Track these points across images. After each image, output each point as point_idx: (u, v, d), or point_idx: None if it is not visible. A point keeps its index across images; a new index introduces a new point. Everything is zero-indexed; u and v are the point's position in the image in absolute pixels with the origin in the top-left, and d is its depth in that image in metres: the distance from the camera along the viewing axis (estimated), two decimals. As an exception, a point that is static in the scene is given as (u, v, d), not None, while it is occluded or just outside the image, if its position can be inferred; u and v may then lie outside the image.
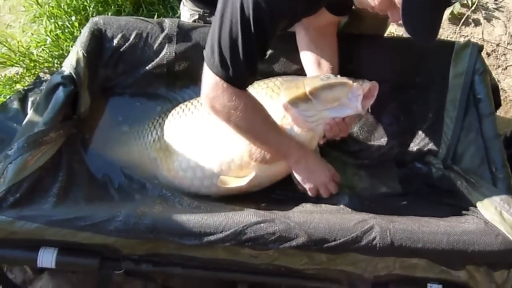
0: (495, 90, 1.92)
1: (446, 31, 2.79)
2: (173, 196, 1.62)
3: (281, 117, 1.68)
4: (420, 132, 1.93)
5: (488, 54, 2.75)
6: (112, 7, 2.50)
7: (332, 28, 1.83)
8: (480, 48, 1.94)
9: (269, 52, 1.91)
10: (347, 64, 1.93)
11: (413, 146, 1.95)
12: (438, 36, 1.50)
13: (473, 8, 2.77)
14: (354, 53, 1.95)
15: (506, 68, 2.73)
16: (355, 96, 1.57)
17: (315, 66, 1.76)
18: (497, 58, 2.77)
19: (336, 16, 1.79)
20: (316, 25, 1.78)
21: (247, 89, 1.58)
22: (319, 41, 1.76)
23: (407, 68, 1.90)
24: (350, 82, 1.59)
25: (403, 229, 1.46)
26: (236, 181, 1.63)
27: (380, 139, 1.97)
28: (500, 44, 2.78)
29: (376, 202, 1.77)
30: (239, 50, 1.44)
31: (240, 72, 1.47)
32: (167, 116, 1.85)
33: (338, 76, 1.67)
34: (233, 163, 1.69)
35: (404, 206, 1.76)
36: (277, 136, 1.61)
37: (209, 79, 1.51)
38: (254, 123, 1.55)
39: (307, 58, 1.78)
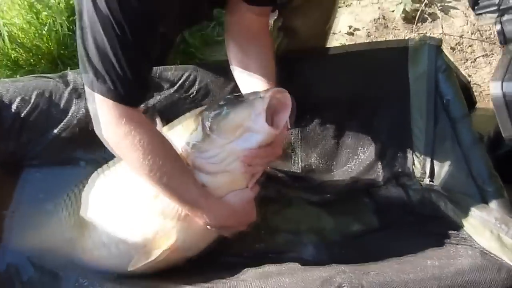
0: (465, 88, 1.63)
1: (402, 32, 2.51)
2: (92, 284, 1.27)
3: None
4: (388, 151, 1.66)
5: (453, 49, 2.47)
6: (25, 67, 2.19)
7: (263, 32, 1.47)
8: (439, 42, 1.65)
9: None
10: (289, 87, 1.61)
11: (383, 169, 1.66)
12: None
13: (426, 1, 2.49)
14: (296, 74, 1.67)
15: (475, 61, 2.45)
16: (257, 115, 1.20)
17: (246, 78, 1.43)
18: (463, 51, 2.48)
19: (261, 16, 1.44)
20: (243, 31, 1.44)
21: (160, 125, 1.35)
22: (249, 48, 1.42)
23: (360, 81, 1.64)
24: (250, 98, 1.22)
25: (380, 283, 1.13)
26: (151, 255, 1.29)
27: (343, 167, 1.68)
28: (463, 36, 2.50)
29: (348, 246, 1.46)
30: (109, 54, 1.17)
31: (122, 81, 1.18)
32: (84, 183, 1.52)
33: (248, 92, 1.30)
34: (151, 231, 1.34)
35: (382, 244, 1.45)
36: (182, 183, 1.26)
37: (92, 100, 1.23)
38: (152, 159, 1.22)
39: (238, 71, 1.45)
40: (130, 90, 1.23)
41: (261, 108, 1.16)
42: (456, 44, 2.50)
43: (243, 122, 1.19)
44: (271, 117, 1.21)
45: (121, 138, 1.25)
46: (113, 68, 1.19)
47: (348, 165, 1.65)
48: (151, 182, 1.28)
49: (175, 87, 1.62)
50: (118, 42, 1.18)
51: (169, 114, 1.57)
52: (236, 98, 1.25)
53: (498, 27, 1.16)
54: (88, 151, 1.64)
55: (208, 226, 1.33)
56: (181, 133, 1.33)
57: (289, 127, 1.30)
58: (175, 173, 1.24)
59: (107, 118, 1.25)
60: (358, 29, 2.56)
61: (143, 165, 1.24)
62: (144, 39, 1.22)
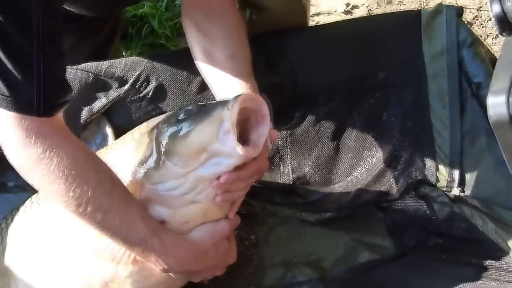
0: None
1: (409, 8, 2.12)
2: None
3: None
4: (403, 153, 1.31)
5: (470, 24, 2.10)
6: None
7: (228, 5, 1.16)
8: (459, 10, 1.31)
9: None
10: (271, 76, 1.30)
11: (398, 177, 1.31)
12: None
13: (436, -32, 2.12)
14: (278, 58, 1.31)
15: (497, 37, 2.06)
16: (225, 134, 0.91)
17: (214, 74, 1.13)
18: (483, 26, 2.10)
19: None
20: (203, 7, 1.13)
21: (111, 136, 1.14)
22: (213, 31, 1.11)
23: (361, 64, 1.30)
24: (216, 110, 0.93)
25: None
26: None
27: (346, 177, 1.33)
28: (482, 8, 2.11)
29: (354, 283, 1.09)
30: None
31: (19, 83, 0.86)
32: (14, 215, 1.20)
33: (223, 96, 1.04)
34: (97, 282, 1.05)
35: (399, 279, 1.10)
36: (124, 219, 0.96)
37: None
38: (79, 190, 0.91)
39: (203, 64, 1.15)
40: (35, 94, 0.87)
41: (229, 125, 0.88)
42: (473, 18, 2.13)
43: (207, 145, 0.92)
44: (245, 130, 0.96)
45: (34, 163, 0.91)
46: (3, 67, 0.84)
47: (353, 174, 1.32)
48: (82, 220, 0.96)
49: (126, 87, 1.28)
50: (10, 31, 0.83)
51: (120, 121, 1.30)
52: (199, 109, 0.96)
53: (497, 8, 0.75)
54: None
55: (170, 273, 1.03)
56: (130, 154, 1.03)
57: (271, 141, 1.05)
58: (114, 207, 0.94)
59: (9, 137, 0.91)
60: (357, 7, 2.19)
61: (67, 198, 0.92)
62: (44, 21, 0.85)
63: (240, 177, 0.97)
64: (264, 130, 0.94)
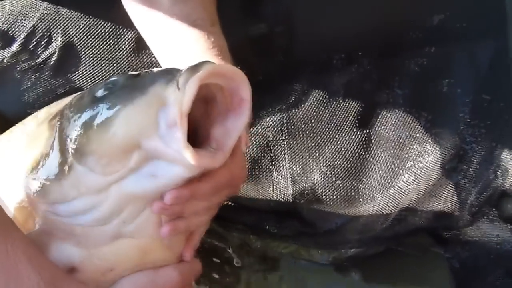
0: None
1: None
2: None
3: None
4: (475, 147, 0.89)
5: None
6: None
7: None
8: None
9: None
10: (252, 25, 0.93)
11: (468, 187, 0.89)
12: None
13: None
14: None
15: None
16: (169, 127, 0.59)
17: (160, 36, 0.84)
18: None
19: None
20: None
21: None
22: None
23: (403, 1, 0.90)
24: (157, 88, 0.61)
25: None
26: None
27: (384, 190, 0.90)
28: None
29: None
30: None
31: None
32: None
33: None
34: None
35: None
36: None
37: None
38: None
39: (141, 20, 0.86)
40: None
41: (176, 113, 0.59)
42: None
43: (140, 139, 0.63)
44: (205, 120, 0.67)
45: None
46: None
47: (394, 185, 0.90)
48: None
49: (13, 48, 0.91)
50: None
51: (5, 103, 0.93)
52: (128, 82, 0.67)
53: None
54: None
55: None
56: (19, 156, 0.76)
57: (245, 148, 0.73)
58: None
59: None
60: None
61: None
62: None
63: (197, 193, 0.67)
64: (238, 124, 0.66)
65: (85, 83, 0.89)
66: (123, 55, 0.89)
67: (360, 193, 0.91)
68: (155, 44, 0.84)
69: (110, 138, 0.64)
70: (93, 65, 0.89)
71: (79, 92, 0.73)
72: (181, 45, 0.78)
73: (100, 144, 0.65)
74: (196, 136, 0.63)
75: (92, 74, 0.89)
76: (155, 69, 0.67)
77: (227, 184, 0.70)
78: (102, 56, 0.88)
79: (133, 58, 0.88)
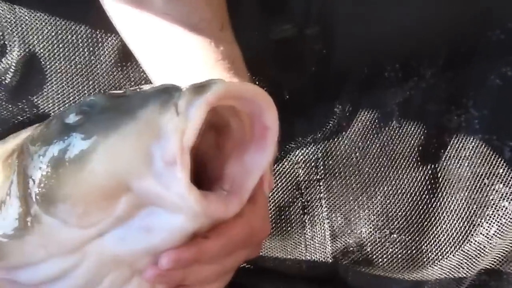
0: None
1: None
2: None
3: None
4: None
5: None
6: None
7: None
8: None
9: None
10: (277, 25, 0.78)
11: None
12: None
13: None
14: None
15: None
16: (167, 164, 0.47)
17: (143, 28, 0.68)
18: None
19: None
20: None
21: None
22: None
23: None
24: (149, 112, 0.49)
25: None
26: None
27: (459, 246, 0.71)
28: None
29: None
30: None
31: None
32: None
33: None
34: None
35: None
36: None
37: None
38: None
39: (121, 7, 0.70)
40: None
41: (176, 146, 0.49)
42: None
43: (128, 180, 0.52)
44: (216, 151, 0.57)
45: None
46: None
47: (464, 240, 0.73)
48: None
49: None
50: None
51: None
52: (112, 103, 0.56)
53: None
54: None
55: None
56: None
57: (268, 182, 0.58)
58: None
59: None
60: None
61: None
62: None
63: (204, 254, 0.55)
64: (260, 160, 0.54)
65: (53, 108, 0.74)
66: (103, 69, 0.74)
67: (424, 250, 0.74)
68: (145, 54, 0.69)
69: (87, 179, 0.53)
70: (63, 83, 0.74)
71: (45, 120, 0.61)
72: (180, 55, 0.65)
73: (74, 187, 0.53)
74: (204, 174, 0.53)
75: (62, 95, 0.74)
76: (145, 87, 0.56)
77: (244, 241, 0.57)
78: (75, 71, 0.73)
79: (115, 72, 0.73)
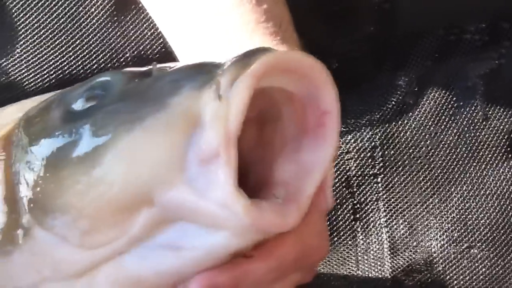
0: None
1: None
2: None
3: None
4: None
5: None
6: None
7: None
8: None
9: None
10: None
11: None
12: None
13: None
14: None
15: None
16: (207, 163, 0.38)
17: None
18: None
19: None
20: None
21: None
22: None
23: None
24: (184, 96, 0.39)
25: None
26: None
27: None
28: None
29: None
30: None
31: None
32: None
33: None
34: None
35: None
36: None
37: None
38: None
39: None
40: None
41: (220, 135, 0.39)
42: None
43: (152, 189, 0.41)
44: (260, 152, 0.47)
45: None
46: None
47: None
48: None
49: None
50: None
51: None
52: (136, 82, 0.45)
53: None
54: None
55: None
56: None
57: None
58: None
59: None
60: None
61: None
62: None
63: (248, 277, 0.46)
64: (321, 156, 0.45)
65: (27, 75, 0.58)
66: (94, 23, 0.59)
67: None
68: (165, 17, 0.59)
69: (97, 186, 0.45)
70: (41, 42, 0.58)
71: (41, 97, 0.51)
72: (210, 17, 0.56)
73: (78, 195, 0.45)
74: (246, 180, 0.45)
75: (39, 60, 0.59)
76: (175, 65, 0.46)
77: (296, 262, 0.47)
78: (56, 26, 0.57)
79: (110, 28, 0.58)
